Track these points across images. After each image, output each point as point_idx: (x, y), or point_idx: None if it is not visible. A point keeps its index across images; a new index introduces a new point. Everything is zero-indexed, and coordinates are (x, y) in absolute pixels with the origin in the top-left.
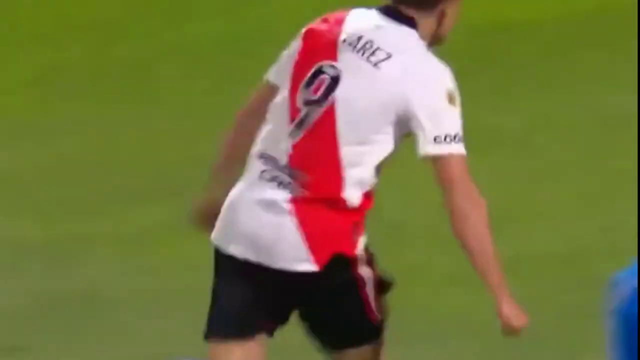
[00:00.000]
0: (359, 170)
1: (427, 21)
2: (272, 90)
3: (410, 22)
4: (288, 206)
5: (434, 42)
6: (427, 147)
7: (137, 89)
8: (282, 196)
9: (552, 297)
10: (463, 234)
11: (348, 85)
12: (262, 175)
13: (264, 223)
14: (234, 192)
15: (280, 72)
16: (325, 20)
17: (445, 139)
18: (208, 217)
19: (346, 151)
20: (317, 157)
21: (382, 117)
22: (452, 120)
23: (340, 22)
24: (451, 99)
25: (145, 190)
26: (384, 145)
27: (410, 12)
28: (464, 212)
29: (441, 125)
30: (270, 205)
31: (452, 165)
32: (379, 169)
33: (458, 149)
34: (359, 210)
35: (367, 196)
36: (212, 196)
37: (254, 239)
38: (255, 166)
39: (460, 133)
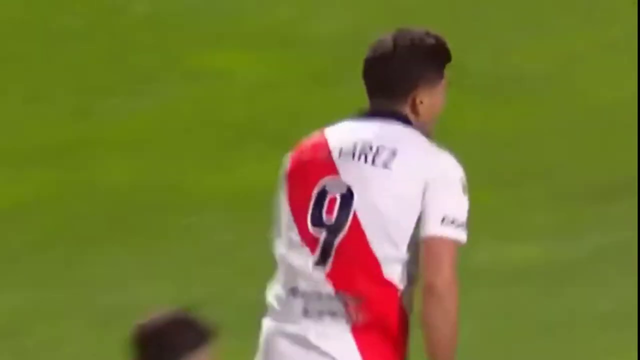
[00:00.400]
0: (400, 267)
1: (405, 111)
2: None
3: (395, 114)
4: (350, 336)
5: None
6: (434, 228)
7: None
8: (340, 327)
9: None
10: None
11: (364, 197)
12: (308, 314)
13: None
14: (276, 339)
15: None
16: (304, 147)
17: (452, 222)
18: None
19: (383, 259)
20: (360, 276)
21: (407, 214)
22: (463, 206)
23: (322, 142)
24: (464, 189)
25: None
26: (417, 234)
27: (386, 104)
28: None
29: (454, 209)
30: (330, 339)
31: (445, 251)
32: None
33: (459, 234)
34: (404, 332)
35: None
36: None
37: None
38: (291, 304)
39: (465, 221)
